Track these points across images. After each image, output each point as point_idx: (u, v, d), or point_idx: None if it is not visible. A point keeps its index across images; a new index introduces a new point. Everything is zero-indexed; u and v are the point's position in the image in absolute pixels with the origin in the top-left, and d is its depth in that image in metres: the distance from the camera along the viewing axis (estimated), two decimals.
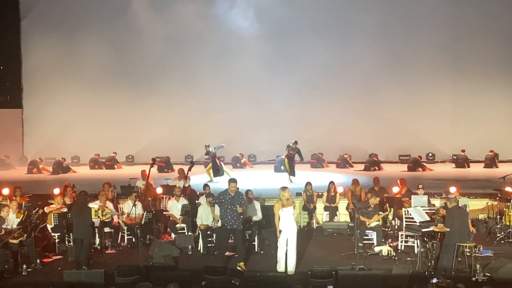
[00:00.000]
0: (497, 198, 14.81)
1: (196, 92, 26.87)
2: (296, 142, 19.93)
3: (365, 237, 13.07)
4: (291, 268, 11.01)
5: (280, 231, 10.96)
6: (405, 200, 13.72)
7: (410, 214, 12.33)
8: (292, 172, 19.79)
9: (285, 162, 19.98)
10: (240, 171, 23.70)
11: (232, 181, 11.78)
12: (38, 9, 27.59)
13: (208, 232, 13.05)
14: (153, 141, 26.42)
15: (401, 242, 12.88)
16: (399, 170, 22.80)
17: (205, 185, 14.86)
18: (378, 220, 13.17)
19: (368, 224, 12.98)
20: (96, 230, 13.03)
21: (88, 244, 11.73)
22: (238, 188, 11.86)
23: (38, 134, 27.45)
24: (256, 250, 12.90)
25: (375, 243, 12.82)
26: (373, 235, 13.04)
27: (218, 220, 12.79)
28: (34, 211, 12.74)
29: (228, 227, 11.54)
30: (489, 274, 10.61)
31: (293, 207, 11.22)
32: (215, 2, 26.98)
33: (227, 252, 12.05)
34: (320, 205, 15.46)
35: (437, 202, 14.39)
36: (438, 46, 26.17)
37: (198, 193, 15.47)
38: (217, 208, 12.43)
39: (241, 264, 11.35)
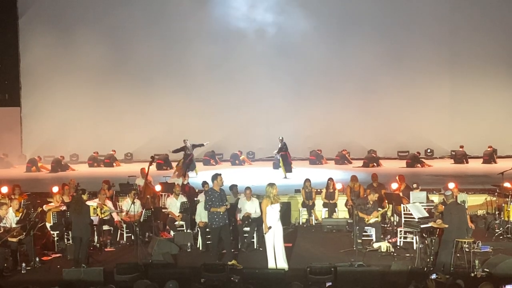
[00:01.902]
0: (496, 193, 14.84)
1: (195, 89, 26.85)
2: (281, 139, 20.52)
3: (364, 234, 13.09)
4: (284, 264, 11.00)
5: (270, 227, 10.96)
6: (403, 198, 13.70)
7: (409, 210, 12.34)
8: (288, 169, 20.06)
9: (280, 161, 20.35)
10: (239, 168, 23.75)
11: (218, 174, 11.77)
12: (35, 7, 27.52)
13: (207, 230, 13.03)
14: (152, 139, 26.40)
15: (400, 238, 12.90)
16: (397, 166, 22.78)
17: (204, 183, 14.84)
18: (377, 217, 13.18)
19: (367, 221, 12.99)
20: (95, 228, 13.05)
21: (87, 242, 11.75)
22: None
23: (37, 132, 27.41)
24: (255, 247, 12.91)
25: (374, 240, 12.83)
26: (372, 231, 13.05)
27: None
28: (33, 210, 12.76)
29: (221, 224, 11.52)
30: (488, 270, 10.64)
31: (279, 204, 11.21)
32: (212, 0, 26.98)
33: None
34: (319, 201, 15.48)
35: (435, 198, 14.42)
36: (436, 42, 26.15)
37: (197, 190, 15.48)
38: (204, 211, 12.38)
39: (233, 261, 11.35)
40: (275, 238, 11.00)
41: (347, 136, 25.83)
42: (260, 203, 13.36)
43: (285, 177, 19.80)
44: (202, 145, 21.54)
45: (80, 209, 11.77)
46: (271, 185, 11.18)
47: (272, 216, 11.00)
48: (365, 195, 13.99)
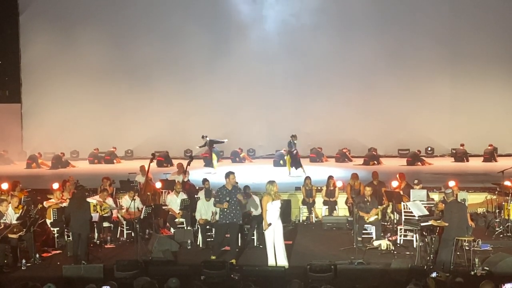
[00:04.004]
0: (496, 192, 14.84)
1: (195, 86, 26.85)
2: (294, 137, 19.87)
3: (364, 231, 13.07)
4: (284, 261, 11.00)
5: (269, 224, 10.96)
6: (404, 196, 13.68)
7: (409, 208, 12.33)
8: (298, 165, 19.65)
9: (287, 159, 20.01)
10: (239, 166, 23.71)
11: (231, 173, 11.80)
12: (36, 3, 27.51)
13: (207, 227, 13.04)
14: (152, 136, 26.40)
15: (400, 236, 12.89)
16: (398, 165, 22.79)
17: (205, 180, 14.83)
18: (377, 214, 13.14)
19: (367, 219, 12.97)
20: (95, 225, 13.06)
21: (86, 239, 11.74)
22: (237, 182, 11.87)
23: (37, 128, 27.42)
24: (255, 244, 12.91)
25: (374, 237, 12.82)
26: (372, 229, 13.04)
27: (216, 213, 12.81)
28: (33, 206, 12.76)
29: (227, 221, 11.54)
30: (487, 268, 10.62)
31: (279, 201, 11.20)
32: None
33: (225, 247, 12.07)
34: (319, 199, 15.48)
35: (436, 196, 14.39)
36: (436, 40, 26.12)
37: (197, 187, 15.48)
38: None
39: (233, 261, 11.36)
40: (275, 235, 11.00)
41: (347, 134, 25.83)
42: (260, 200, 13.39)
43: (290, 175, 19.73)
44: (222, 141, 21.46)
45: (80, 205, 11.76)
46: (271, 182, 11.18)
47: (272, 213, 10.99)
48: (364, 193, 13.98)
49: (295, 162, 19.68)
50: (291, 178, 18.82)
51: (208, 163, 21.02)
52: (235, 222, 11.63)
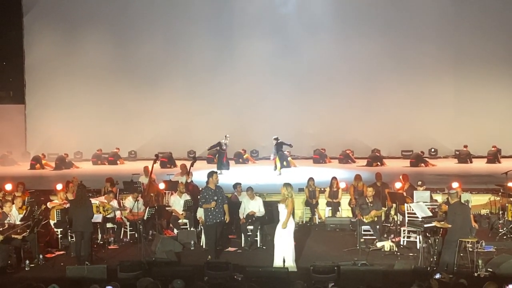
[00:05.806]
0: (500, 193, 14.83)
1: (198, 87, 26.84)
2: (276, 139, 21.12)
3: (368, 233, 13.05)
4: (292, 264, 10.99)
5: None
6: (407, 197, 13.67)
7: (413, 210, 12.32)
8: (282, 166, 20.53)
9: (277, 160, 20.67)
10: (243, 167, 23.74)
11: (213, 172, 11.93)
12: (40, 4, 27.55)
13: None
14: (156, 137, 26.41)
15: (403, 237, 12.89)
16: (401, 166, 22.78)
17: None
18: (373, 216, 13.04)
19: (366, 220, 12.94)
20: (99, 226, 13.08)
21: (89, 238, 11.74)
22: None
23: (41, 129, 27.43)
24: (258, 245, 12.92)
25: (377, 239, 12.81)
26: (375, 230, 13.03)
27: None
28: (37, 207, 12.79)
29: (217, 220, 11.61)
30: (491, 270, 10.63)
31: (285, 205, 11.09)
32: None
33: (229, 248, 12.09)
34: (322, 200, 15.48)
35: (439, 198, 14.39)
36: (440, 40, 26.05)
37: (200, 188, 15.46)
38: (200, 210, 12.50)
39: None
40: (285, 237, 10.99)
41: (351, 135, 25.79)
42: (263, 202, 13.40)
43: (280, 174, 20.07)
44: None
45: (80, 203, 11.76)
46: (286, 185, 11.19)
47: (281, 215, 11.01)
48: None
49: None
50: (294, 179, 18.81)
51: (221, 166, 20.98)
52: (222, 220, 11.76)
